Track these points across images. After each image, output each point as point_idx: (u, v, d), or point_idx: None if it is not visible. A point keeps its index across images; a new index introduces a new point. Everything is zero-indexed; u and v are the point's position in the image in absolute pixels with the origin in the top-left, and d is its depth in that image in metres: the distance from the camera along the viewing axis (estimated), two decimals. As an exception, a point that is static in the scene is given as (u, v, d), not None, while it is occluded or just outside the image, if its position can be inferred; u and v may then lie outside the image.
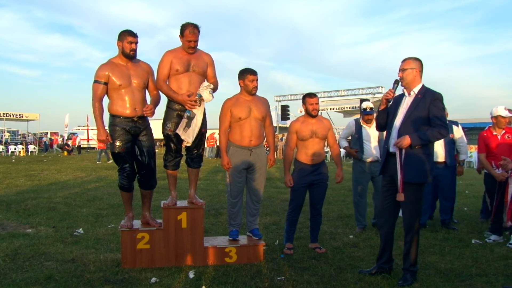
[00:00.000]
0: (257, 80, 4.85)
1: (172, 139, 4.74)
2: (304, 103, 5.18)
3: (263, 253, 4.85)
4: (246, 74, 4.84)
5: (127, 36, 4.48)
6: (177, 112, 4.64)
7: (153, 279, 4.13)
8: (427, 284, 4.07)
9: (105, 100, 4.59)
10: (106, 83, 4.46)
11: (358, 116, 8.94)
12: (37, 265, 4.54)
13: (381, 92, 35.49)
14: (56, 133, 46.37)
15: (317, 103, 5.15)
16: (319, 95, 37.84)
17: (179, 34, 4.62)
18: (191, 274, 4.27)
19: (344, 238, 5.86)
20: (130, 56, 4.53)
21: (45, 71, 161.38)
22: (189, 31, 4.55)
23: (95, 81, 4.46)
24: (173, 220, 4.64)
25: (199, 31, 4.59)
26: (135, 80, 4.54)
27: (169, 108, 4.70)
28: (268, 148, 5.29)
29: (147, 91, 4.75)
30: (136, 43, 4.53)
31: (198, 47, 4.70)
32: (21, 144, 35.31)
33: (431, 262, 4.75)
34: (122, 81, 4.47)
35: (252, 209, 5.00)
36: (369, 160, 6.19)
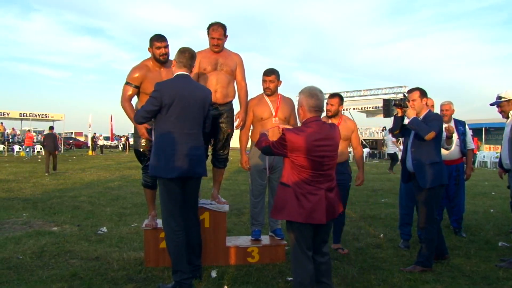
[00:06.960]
0: (271, 81, 4.82)
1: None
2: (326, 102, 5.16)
3: (286, 253, 4.84)
4: (263, 75, 4.86)
5: (154, 41, 4.40)
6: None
7: (176, 278, 4.15)
8: (452, 287, 4.00)
9: (133, 100, 4.59)
10: (137, 87, 4.45)
11: (381, 116, 8.78)
12: (63, 263, 4.63)
13: (405, 92, 34.75)
14: (80, 133, 47.10)
15: (333, 105, 5.09)
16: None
17: (207, 34, 4.67)
18: (213, 274, 4.28)
19: (367, 239, 5.81)
20: (161, 61, 4.46)
21: (74, 73, 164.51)
22: (213, 29, 4.61)
23: (127, 83, 4.44)
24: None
25: (224, 30, 4.63)
26: None
27: None
28: None
29: None
30: (165, 46, 4.42)
31: (227, 47, 4.77)
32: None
33: (456, 264, 4.67)
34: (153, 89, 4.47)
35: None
36: None
